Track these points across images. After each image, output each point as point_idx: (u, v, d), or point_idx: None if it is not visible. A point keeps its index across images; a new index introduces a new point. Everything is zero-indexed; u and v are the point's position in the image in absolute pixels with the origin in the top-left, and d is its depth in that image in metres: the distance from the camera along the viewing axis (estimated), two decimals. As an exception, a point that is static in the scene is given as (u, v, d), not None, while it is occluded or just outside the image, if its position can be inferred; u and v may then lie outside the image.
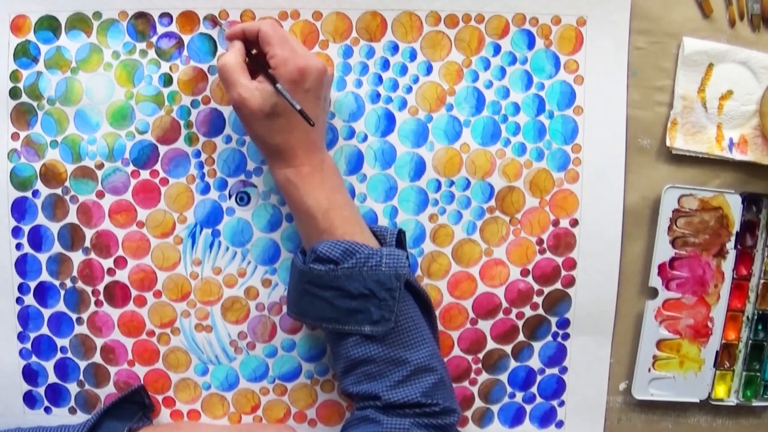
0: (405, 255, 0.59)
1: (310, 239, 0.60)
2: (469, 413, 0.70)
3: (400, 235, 0.64)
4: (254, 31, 0.59)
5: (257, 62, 0.59)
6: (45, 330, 0.69)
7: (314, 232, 0.59)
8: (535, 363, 0.70)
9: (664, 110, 0.67)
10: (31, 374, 0.69)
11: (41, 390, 0.70)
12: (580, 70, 0.67)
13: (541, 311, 0.69)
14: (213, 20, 0.64)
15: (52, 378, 0.69)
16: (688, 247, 0.68)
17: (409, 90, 0.67)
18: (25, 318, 0.69)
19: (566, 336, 0.69)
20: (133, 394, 0.67)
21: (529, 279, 0.69)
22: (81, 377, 0.69)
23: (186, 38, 0.66)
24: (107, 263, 0.68)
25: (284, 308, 0.68)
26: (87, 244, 0.68)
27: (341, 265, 0.57)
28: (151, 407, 0.69)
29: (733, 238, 0.67)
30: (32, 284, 0.68)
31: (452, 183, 0.68)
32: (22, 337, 0.69)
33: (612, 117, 0.67)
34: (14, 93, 0.67)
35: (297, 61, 0.57)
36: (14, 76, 0.66)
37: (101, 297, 0.68)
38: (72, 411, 0.70)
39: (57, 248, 0.68)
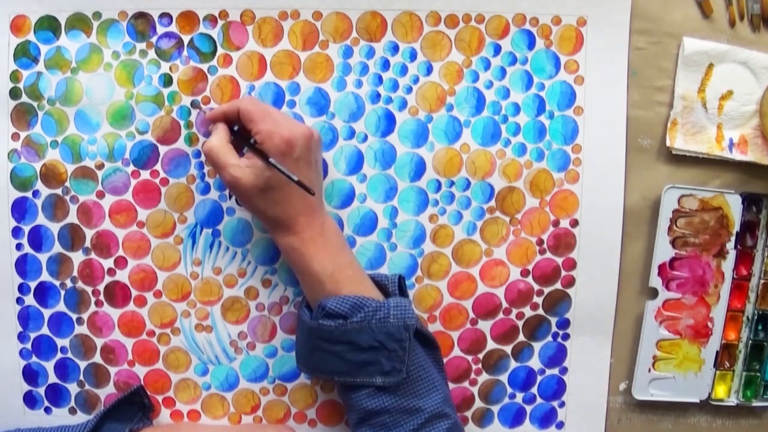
0: (410, 302, 0.60)
1: (316, 298, 0.60)
2: (469, 414, 0.70)
3: (401, 281, 0.65)
4: (234, 111, 0.60)
5: (244, 139, 0.60)
6: (45, 330, 0.69)
7: (321, 293, 0.60)
8: (535, 363, 0.70)
9: (664, 110, 0.67)
10: (31, 374, 0.69)
11: (41, 390, 0.70)
12: (580, 71, 0.67)
13: (541, 311, 0.69)
14: (192, 104, 0.65)
15: (53, 378, 0.69)
16: (688, 247, 0.68)
17: (410, 90, 0.67)
18: (26, 318, 0.69)
19: (566, 336, 0.69)
20: (133, 395, 0.67)
21: (529, 279, 0.69)
22: (81, 377, 0.69)
23: (186, 38, 0.66)
24: (107, 263, 0.68)
25: (284, 308, 0.68)
26: (87, 244, 0.68)
27: (350, 320, 0.57)
28: (151, 408, 0.69)
29: (733, 239, 0.67)
30: (32, 284, 0.68)
31: (452, 183, 0.68)
32: (22, 337, 0.69)
33: (612, 117, 0.67)
34: (14, 93, 0.67)
35: (282, 133, 0.58)
36: (14, 77, 0.66)
37: (101, 297, 0.68)
38: (72, 411, 0.70)
39: (57, 248, 0.68)
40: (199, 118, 0.66)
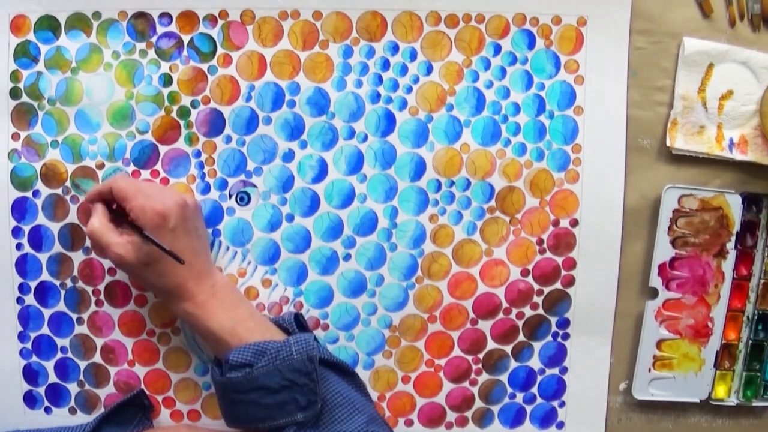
0: (311, 336, 0.60)
1: (222, 354, 0.61)
2: (469, 414, 0.70)
3: (297, 317, 0.65)
4: (108, 190, 0.61)
5: (120, 217, 0.61)
6: (45, 330, 0.69)
7: (227, 350, 0.60)
8: (535, 363, 0.70)
9: (664, 110, 0.67)
10: (31, 374, 0.69)
11: (41, 390, 0.70)
12: (580, 70, 0.67)
13: (541, 311, 0.69)
14: (73, 185, 0.66)
15: (53, 378, 0.69)
16: (688, 247, 0.68)
17: (410, 90, 0.67)
18: (26, 318, 0.69)
19: (566, 336, 0.69)
20: (133, 398, 0.67)
21: (529, 279, 0.69)
22: (81, 377, 0.69)
23: (186, 38, 0.66)
24: (108, 263, 0.68)
25: (284, 308, 0.68)
26: (87, 243, 0.68)
27: (256, 366, 0.58)
28: (151, 409, 0.69)
29: (733, 238, 0.67)
30: (32, 284, 0.68)
31: (452, 183, 0.68)
32: (22, 337, 0.69)
33: (612, 117, 0.67)
34: (14, 93, 0.67)
35: (154, 207, 0.59)
36: (14, 76, 0.66)
37: (101, 297, 0.68)
38: (72, 411, 0.70)
39: (57, 248, 0.68)
40: (74, 194, 0.67)
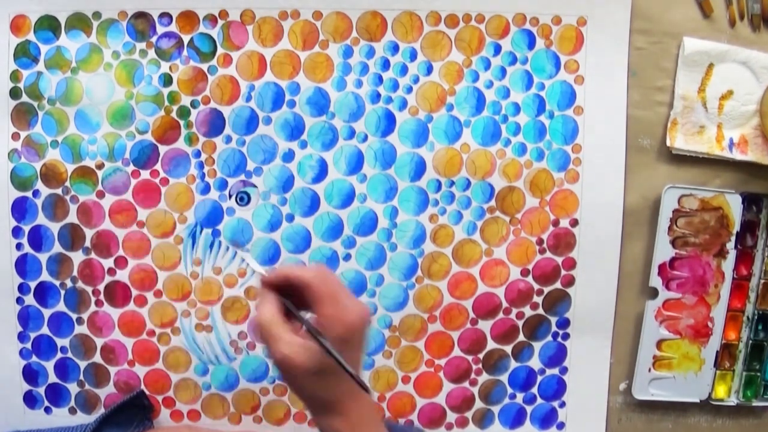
0: None
1: None
2: (469, 414, 0.70)
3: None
4: (298, 283, 0.52)
5: (301, 320, 0.53)
6: (45, 330, 0.69)
7: None
8: (535, 363, 0.70)
9: (664, 110, 0.67)
10: (31, 374, 0.69)
11: (41, 390, 0.70)
12: (580, 70, 0.67)
13: (541, 311, 0.69)
14: (233, 244, 0.63)
15: (53, 378, 0.69)
16: (688, 247, 0.68)
17: (410, 90, 0.67)
18: (26, 318, 0.69)
19: (566, 336, 0.69)
20: (133, 399, 0.67)
21: (529, 279, 0.69)
22: (81, 377, 0.69)
23: (186, 38, 0.66)
24: (107, 263, 0.68)
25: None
26: (87, 244, 0.68)
27: None
28: (151, 409, 0.69)
29: (733, 238, 0.67)
30: (32, 284, 0.68)
31: (452, 183, 0.68)
32: (22, 337, 0.69)
33: (612, 117, 0.67)
34: (14, 93, 0.67)
35: (347, 319, 0.52)
36: (14, 76, 0.66)
37: (101, 297, 0.68)
38: (72, 411, 0.70)
39: (57, 248, 0.68)
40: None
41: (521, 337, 0.69)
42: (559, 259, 0.68)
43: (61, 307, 0.68)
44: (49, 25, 0.66)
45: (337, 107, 0.67)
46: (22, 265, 0.68)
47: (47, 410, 0.70)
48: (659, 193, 0.67)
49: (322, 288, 0.52)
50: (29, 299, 0.68)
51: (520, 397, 0.70)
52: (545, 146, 0.67)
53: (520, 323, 0.69)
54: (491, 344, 0.69)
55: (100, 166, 0.67)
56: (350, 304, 0.53)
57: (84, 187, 0.67)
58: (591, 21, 0.66)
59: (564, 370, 0.70)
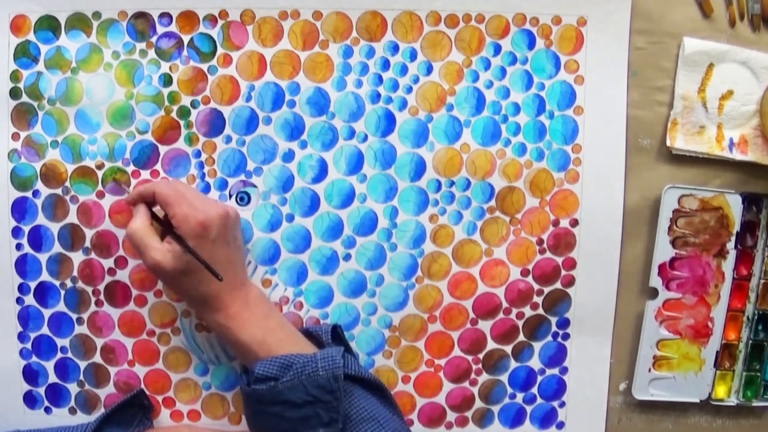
0: (341, 351, 0.60)
1: (250, 364, 0.61)
2: (469, 414, 0.70)
3: (335, 329, 0.65)
4: (151, 193, 0.61)
5: (161, 223, 0.61)
6: (45, 330, 0.69)
7: (254, 360, 0.60)
8: (535, 363, 0.70)
9: (664, 110, 0.67)
10: (31, 374, 0.69)
11: (41, 390, 0.70)
12: (580, 70, 0.67)
13: (541, 311, 0.69)
14: (114, 182, 0.66)
15: (53, 378, 0.69)
16: (688, 247, 0.68)
17: (410, 90, 0.67)
18: (26, 318, 0.69)
19: (566, 336, 0.69)
20: (133, 399, 0.67)
21: (529, 279, 0.69)
22: (81, 377, 0.69)
23: (186, 38, 0.66)
24: (107, 263, 0.68)
25: (284, 308, 0.68)
26: (87, 244, 0.68)
27: (281, 380, 0.57)
28: (151, 409, 0.69)
29: (733, 238, 0.67)
30: (32, 284, 0.68)
31: (452, 183, 0.68)
32: (22, 337, 0.69)
33: (612, 117, 0.67)
34: (14, 93, 0.67)
35: (197, 216, 0.59)
36: (14, 76, 0.66)
37: (101, 297, 0.68)
38: (72, 411, 0.70)
39: (57, 248, 0.68)
40: (118, 195, 0.67)
41: (521, 337, 0.69)
42: (559, 259, 0.68)
43: (61, 307, 0.68)
44: (49, 25, 0.66)
45: (337, 107, 0.67)
46: (22, 265, 0.68)
47: (47, 410, 0.70)
48: (659, 193, 0.67)
49: (167, 192, 0.60)
50: (29, 299, 0.68)
51: (520, 397, 0.70)
52: (545, 146, 0.67)
53: (520, 323, 0.69)
54: (491, 344, 0.69)
55: (100, 167, 0.67)
56: (201, 204, 0.60)
57: (84, 187, 0.67)
58: (591, 21, 0.66)
59: (564, 370, 0.70)
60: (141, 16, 0.66)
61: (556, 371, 0.70)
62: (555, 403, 0.70)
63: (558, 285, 0.69)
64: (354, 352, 0.68)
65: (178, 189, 0.61)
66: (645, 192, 0.68)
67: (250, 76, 0.66)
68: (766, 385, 0.69)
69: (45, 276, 0.68)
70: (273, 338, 0.60)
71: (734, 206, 0.67)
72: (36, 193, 0.67)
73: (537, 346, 0.70)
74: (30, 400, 0.70)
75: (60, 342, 0.69)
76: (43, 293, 0.68)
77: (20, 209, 0.67)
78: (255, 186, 0.67)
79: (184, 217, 0.59)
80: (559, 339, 0.69)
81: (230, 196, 0.67)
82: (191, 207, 0.59)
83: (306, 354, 0.59)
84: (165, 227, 0.61)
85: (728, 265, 0.68)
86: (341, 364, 0.58)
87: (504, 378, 0.70)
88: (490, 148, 0.67)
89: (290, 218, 0.68)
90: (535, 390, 0.70)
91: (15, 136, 0.67)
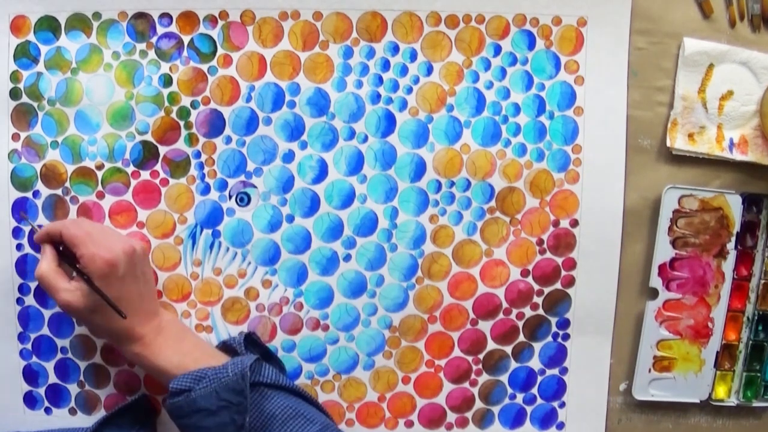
0: (252, 358, 0.61)
1: None
2: (469, 414, 0.70)
3: (250, 337, 0.66)
4: (58, 233, 0.61)
5: (69, 264, 0.62)
6: (45, 330, 0.69)
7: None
8: (535, 364, 0.70)
9: (664, 110, 0.67)
10: (31, 374, 0.69)
11: (41, 390, 0.70)
12: (580, 71, 0.67)
13: (541, 311, 0.69)
14: (21, 216, 0.66)
15: (53, 378, 0.69)
16: (688, 247, 0.68)
17: (410, 91, 0.67)
18: (26, 318, 0.69)
19: (566, 336, 0.69)
20: (134, 403, 0.67)
21: (530, 279, 0.69)
22: (81, 378, 0.69)
23: (186, 39, 0.66)
24: (107, 264, 0.68)
25: (284, 309, 0.68)
26: (87, 244, 0.68)
27: (194, 390, 0.58)
28: (153, 412, 0.69)
29: (733, 239, 0.67)
30: (32, 285, 0.68)
31: (452, 184, 0.68)
32: (22, 338, 0.69)
33: (612, 117, 0.67)
34: (14, 93, 0.67)
35: (103, 256, 0.59)
36: (14, 77, 0.66)
37: (101, 297, 0.68)
38: (72, 411, 0.70)
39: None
40: (29, 233, 0.67)
41: (521, 338, 0.69)
42: (559, 260, 0.68)
43: (62, 307, 0.68)
44: (49, 26, 0.66)
45: (337, 108, 0.67)
46: (22, 266, 0.68)
47: (47, 411, 0.70)
48: (659, 194, 0.67)
49: (73, 232, 0.61)
50: (29, 299, 0.68)
51: (520, 397, 0.70)
52: (545, 147, 0.67)
53: (520, 324, 0.69)
54: (491, 345, 0.69)
55: (100, 167, 0.67)
56: (107, 242, 0.61)
57: (84, 188, 0.67)
58: (591, 21, 0.66)
59: (564, 371, 0.70)
60: (141, 16, 0.66)
61: (556, 371, 0.70)
62: (555, 404, 0.70)
63: (558, 285, 0.69)
64: (276, 356, 0.68)
65: (85, 228, 0.62)
66: (645, 192, 0.68)
67: (250, 77, 0.66)
68: (766, 385, 0.69)
69: (45, 276, 0.68)
70: (189, 358, 0.61)
71: (734, 206, 0.67)
72: (36, 194, 0.67)
73: (537, 346, 0.70)
74: (30, 400, 0.70)
75: (60, 342, 0.69)
76: (44, 293, 0.68)
77: (20, 210, 0.67)
78: (255, 186, 0.67)
79: (91, 257, 0.59)
80: (559, 339, 0.69)
81: (230, 196, 0.67)
82: (97, 246, 0.60)
83: (219, 365, 0.60)
84: (71, 266, 0.61)
85: (728, 266, 0.68)
86: (247, 366, 0.59)
87: (504, 378, 0.70)
88: (490, 148, 0.67)
89: (290, 219, 0.68)
90: (535, 390, 0.70)
91: (15, 137, 0.67)
